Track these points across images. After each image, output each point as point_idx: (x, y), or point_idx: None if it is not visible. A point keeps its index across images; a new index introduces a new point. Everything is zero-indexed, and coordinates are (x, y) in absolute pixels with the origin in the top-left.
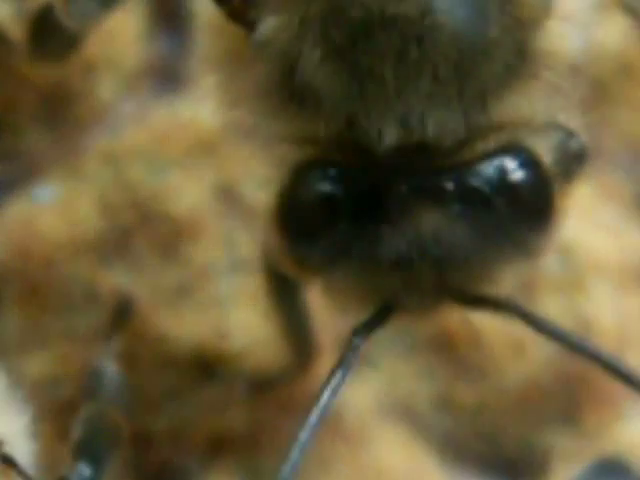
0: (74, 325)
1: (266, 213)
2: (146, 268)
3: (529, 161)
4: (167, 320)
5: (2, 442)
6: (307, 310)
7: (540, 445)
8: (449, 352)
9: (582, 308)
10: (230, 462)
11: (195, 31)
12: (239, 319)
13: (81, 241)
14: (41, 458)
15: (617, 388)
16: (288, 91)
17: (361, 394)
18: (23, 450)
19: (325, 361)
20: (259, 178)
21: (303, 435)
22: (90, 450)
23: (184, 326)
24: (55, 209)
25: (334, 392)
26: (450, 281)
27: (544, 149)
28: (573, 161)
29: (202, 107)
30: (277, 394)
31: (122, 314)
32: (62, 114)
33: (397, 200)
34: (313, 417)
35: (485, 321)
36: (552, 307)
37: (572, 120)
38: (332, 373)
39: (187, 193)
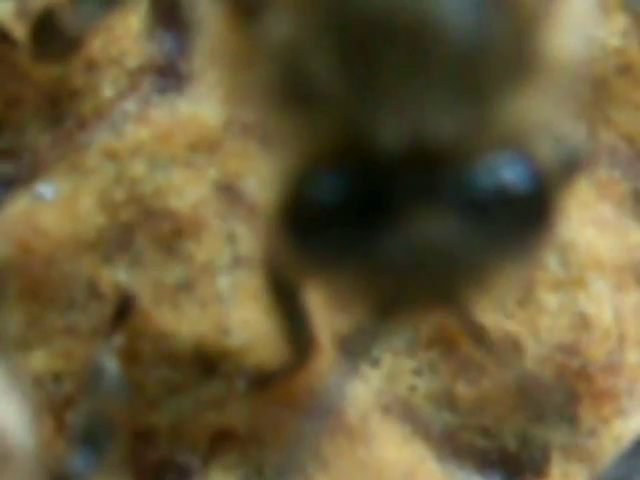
0: (75, 321)
1: (266, 213)
2: (148, 265)
3: (529, 165)
4: (168, 316)
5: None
6: (306, 307)
7: (540, 441)
8: (449, 349)
9: (581, 305)
10: (231, 458)
11: (196, 28)
12: (240, 315)
13: (83, 238)
14: (40, 454)
15: (617, 384)
16: (291, 91)
17: (361, 390)
18: (23, 442)
19: (325, 357)
20: (260, 177)
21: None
22: (89, 442)
23: (185, 322)
24: (57, 206)
25: (336, 398)
26: (448, 284)
27: (543, 152)
28: (572, 164)
29: (204, 104)
30: (278, 390)
31: (123, 310)
32: (64, 111)
33: (398, 203)
34: (314, 425)
35: (485, 318)
36: (551, 304)
37: (572, 123)
38: (334, 380)
39: (189, 190)
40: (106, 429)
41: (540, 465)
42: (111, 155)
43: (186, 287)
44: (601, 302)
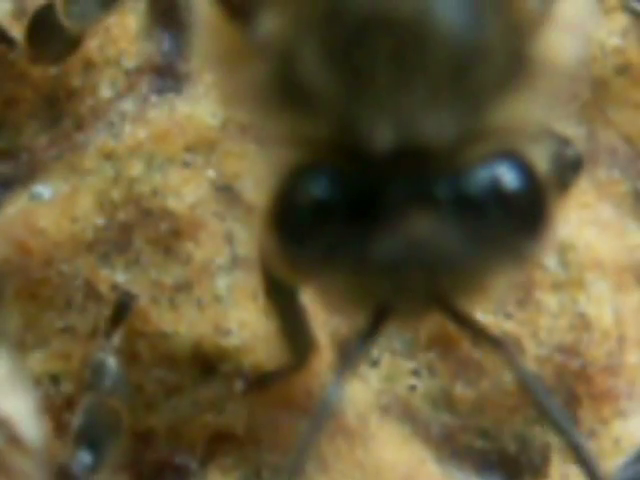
0: (74, 322)
1: (260, 214)
2: (145, 265)
3: (524, 168)
4: (166, 317)
5: (10, 422)
6: (304, 308)
7: (539, 442)
8: (448, 350)
9: (581, 306)
10: (229, 459)
11: (192, 29)
12: (238, 316)
13: (81, 238)
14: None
15: (617, 385)
16: (284, 91)
17: (360, 391)
18: (30, 431)
19: (323, 358)
20: (254, 177)
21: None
22: (91, 438)
23: (183, 323)
24: (55, 206)
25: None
26: (441, 286)
27: (540, 156)
28: (569, 169)
29: (202, 105)
30: (276, 391)
31: (121, 311)
32: (62, 112)
33: (390, 204)
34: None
35: (484, 318)
36: (551, 305)
37: (569, 128)
38: (333, 385)
39: (187, 190)
40: (106, 422)
41: (539, 467)
42: (109, 155)
43: (184, 287)
44: (601, 303)
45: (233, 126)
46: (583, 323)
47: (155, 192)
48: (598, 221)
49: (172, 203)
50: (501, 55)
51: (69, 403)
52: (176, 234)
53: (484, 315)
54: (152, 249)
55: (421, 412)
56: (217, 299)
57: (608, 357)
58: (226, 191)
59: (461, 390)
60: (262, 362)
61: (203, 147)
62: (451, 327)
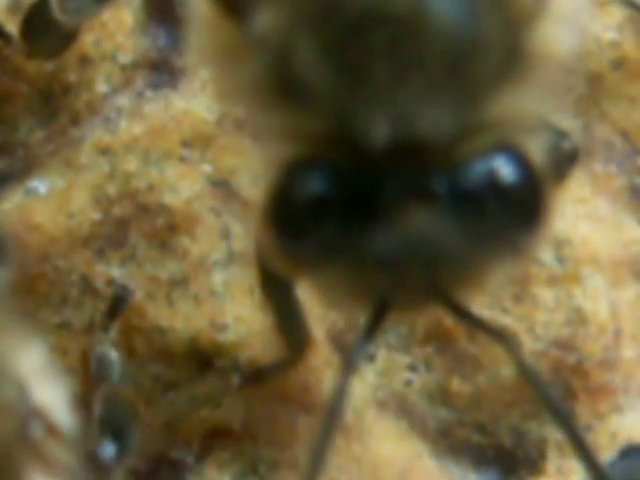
0: (70, 317)
1: (257, 209)
2: (142, 260)
3: (520, 161)
4: (162, 312)
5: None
6: (300, 303)
7: (535, 437)
8: (444, 344)
9: (577, 301)
10: (225, 454)
11: (188, 24)
12: (235, 311)
13: (77, 233)
14: None
15: (613, 380)
16: (280, 86)
17: (356, 386)
18: (65, 421)
19: (319, 352)
20: (251, 172)
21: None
22: (113, 427)
23: (179, 318)
24: (51, 202)
25: (342, 399)
26: (440, 280)
27: (536, 149)
28: (565, 162)
29: (198, 100)
30: (272, 386)
31: (117, 306)
32: (57, 107)
33: (387, 198)
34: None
35: (481, 313)
36: (547, 299)
37: (565, 120)
38: (340, 381)
39: (183, 185)
40: (128, 416)
41: (536, 461)
42: (105, 150)
43: (180, 283)
44: (597, 297)
45: (229, 121)
46: (579, 318)
47: (151, 187)
48: (594, 216)
49: (168, 198)
50: (497, 48)
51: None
52: (172, 229)
53: (481, 310)
54: (148, 244)
55: (417, 407)
56: (213, 294)
57: (604, 352)
58: (222, 186)
59: (457, 385)
60: (258, 357)
61: (199, 142)
62: (448, 321)
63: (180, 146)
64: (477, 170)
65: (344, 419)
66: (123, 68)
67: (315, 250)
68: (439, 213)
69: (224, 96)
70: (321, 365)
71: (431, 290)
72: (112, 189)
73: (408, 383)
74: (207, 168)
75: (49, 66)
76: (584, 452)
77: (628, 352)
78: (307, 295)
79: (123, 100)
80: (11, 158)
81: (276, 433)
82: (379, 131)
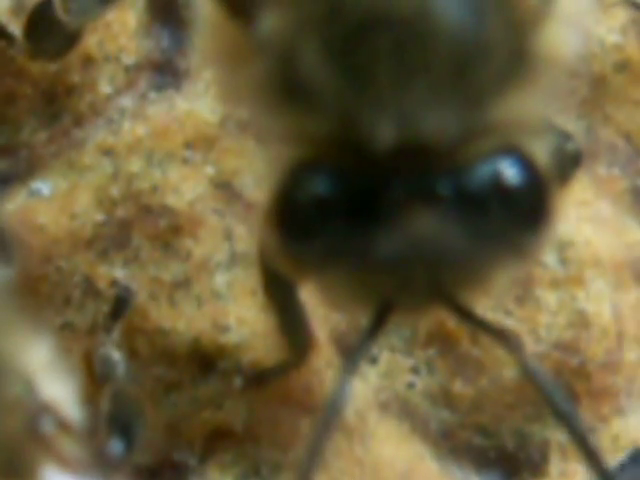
0: (72, 318)
1: (261, 211)
2: (144, 262)
3: (525, 164)
4: (165, 314)
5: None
6: (303, 305)
7: (538, 439)
8: (447, 347)
9: (580, 303)
10: (228, 456)
11: (193, 26)
12: (237, 313)
13: (79, 235)
14: None
15: (615, 382)
16: (285, 89)
17: (359, 389)
18: (75, 415)
19: (322, 354)
20: (255, 174)
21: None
22: (121, 423)
23: (182, 320)
24: (54, 203)
25: (343, 399)
26: (444, 282)
27: (540, 152)
28: (569, 164)
29: (201, 101)
30: (275, 387)
31: (120, 308)
32: (61, 108)
33: (392, 201)
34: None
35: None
36: (550, 302)
37: (569, 123)
38: (341, 381)
39: (186, 187)
40: (134, 414)
41: (538, 464)
42: (108, 152)
43: (183, 284)
44: (600, 300)
45: (232, 123)
46: (582, 320)
47: (154, 188)
48: (597, 218)
49: (171, 200)
50: (502, 51)
51: None
52: (175, 231)
53: (483, 312)
54: (151, 245)
55: (420, 409)
56: (216, 296)
57: (607, 354)
58: (225, 188)
59: (460, 387)
60: (261, 358)
61: (202, 144)
62: (450, 324)
63: (183, 147)
64: (481, 172)
65: (346, 421)
66: (126, 69)
67: (319, 252)
68: (443, 215)
69: (228, 98)
70: (324, 367)
71: (435, 292)
72: (115, 190)
73: (410, 385)
74: (210, 170)
75: (52, 67)
76: (589, 454)
77: (631, 355)
78: (310, 297)
79: (126, 101)
80: (14, 159)
81: (278, 435)
82: (384, 133)
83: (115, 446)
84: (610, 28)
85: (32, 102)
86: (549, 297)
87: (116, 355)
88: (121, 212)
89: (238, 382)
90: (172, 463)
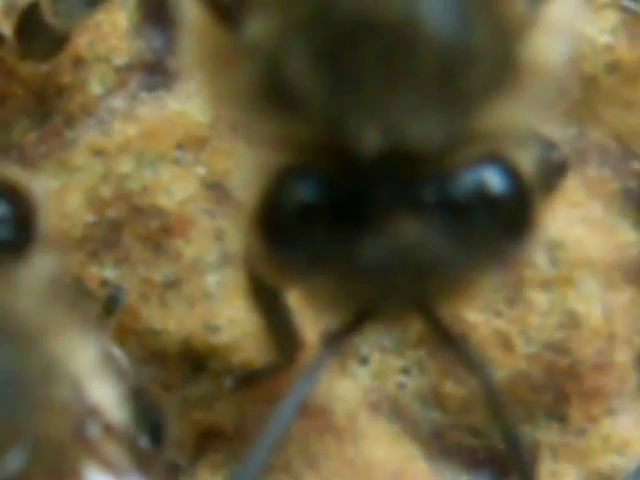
0: None
1: (246, 215)
2: (135, 262)
3: (510, 172)
4: (156, 314)
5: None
6: (290, 307)
7: (528, 440)
8: (438, 347)
9: (571, 304)
10: (219, 456)
11: (180, 29)
12: (228, 313)
13: (70, 235)
14: None
15: (606, 383)
16: (271, 94)
17: (349, 389)
18: (118, 420)
19: (311, 355)
20: (242, 177)
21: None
22: (148, 421)
23: (173, 320)
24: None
25: (306, 394)
26: (427, 290)
27: (526, 160)
28: (554, 173)
29: (192, 102)
30: (265, 388)
31: (111, 306)
32: (51, 108)
33: (376, 208)
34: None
35: (474, 316)
36: (541, 303)
37: (558, 127)
38: (306, 377)
39: (177, 187)
40: (158, 408)
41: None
42: (99, 152)
43: (174, 285)
44: (591, 301)
45: (223, 123)
46: (573, 321)
47: (145, 189)
48: (588, 219)
49: (162, 200)
50: (489, 59)
51: None
52: (166, 231)
53: (473, 313)
54: (142, 246)
55: (410, 410)
56: (207, 296)
57: (598, 355)
58: (216, 188)
59: (450, 388)
60: (251, 359)
61: (193, 144)
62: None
63: (174, 148)
64: (466, 180)
65: (336, 421)
66: (117, 70)
67: (303, 258)
68: (427, 223)
69: (215, 102)
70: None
71: (418, 300)
72: (106, 191)
73: (401, 386)
74: (201, 170)
75: (43, 68)
76: None
77: (621, 356)
78: (299, 298)
79: (117, 102)
80: (5, 159)
81: None
82: (369, 140)
83: (146, 442)
84: (601, 29)
85: (23, 102)
86: (540, 298)
87: (116, 351)
88: (112, 212)
89: (228, 382)
90: (162, 464)
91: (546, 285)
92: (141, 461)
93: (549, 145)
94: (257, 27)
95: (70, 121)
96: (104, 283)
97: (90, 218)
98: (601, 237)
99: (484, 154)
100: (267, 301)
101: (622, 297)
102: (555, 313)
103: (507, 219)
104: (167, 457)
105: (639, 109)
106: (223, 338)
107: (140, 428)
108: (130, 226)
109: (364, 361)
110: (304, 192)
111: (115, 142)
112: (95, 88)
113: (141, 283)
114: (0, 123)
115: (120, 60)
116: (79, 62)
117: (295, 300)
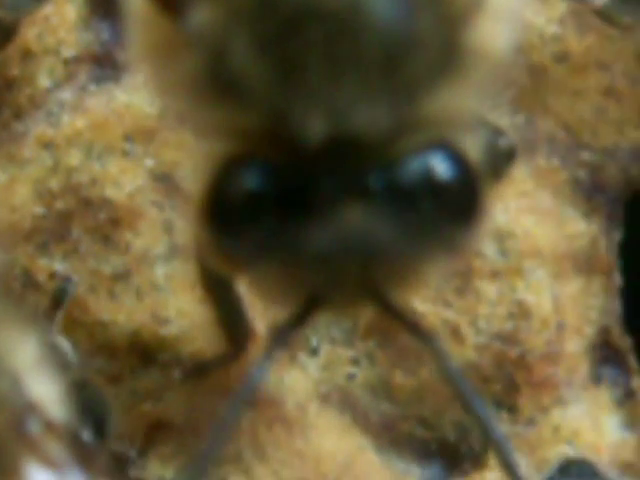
0: None
1: (194, 205)
2: (84, 254)
3: (456, 158)
4: (104, 306)
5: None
6: (240, 297)
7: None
8: (387, 338)
9: (520, 294)
10: (168, 448)
11: (126, 20)
12: (177, 305)
13: (19, 227)
14: None
15: (556, 373)
16: (217, 83)
17: (299, 380)
18: (58, 415)
19: (261, 346)
20: (188, 167)
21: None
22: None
23: (122, 312)
24: None
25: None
26: (374, 277)
27: (472, 146)
28: (502, 159)
29: (141, 94)
30: (214, 379)
31: (59, 300)
32: (0, 101)
33: (322, 196)
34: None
35: (423, 306)
36: (489, 293)
37: (506, 115)
38: (256, 369)
39: (125, 179)
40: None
41: (479, 455)
42: (47, 145)
43: (123, 277)
44: (540, 291)
45: (171, 115)
46: (522, 311)
47: (94, 181)
48: (537, 209)
49: (111, 192)
50: (433, 46)
51: None
52: (115, 223)
53: (423, 303)
54: (91, 238)
55: (360, 401)
56: (155, 288)
57: (547, 345)
58: (165, 180)
59: (400, 379)
60: (200, 350)
61: (142, 136)
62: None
63: (123, 140)
64: (412, 167)
65: (286, 412)
66: (66, 62)
67: (250, 247)
68: (374, 210)
69: (161, 92)
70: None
71: (366, 287)
72: (55, 183)
73: (351, 377)
74: (149, 162)
75: None
76: (505, 459)
77: (571, 345)
78: (249, 289)
79: (66, 94)
80: None
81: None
82: (315, 128)
83: (88, 436)
84: (549, 19)
85: None
86: (489, 288)
87: (64, 342)
88: (60, 205)
89: (178, 374)
90: (113, 456)
91: (495, 275)
92: (83, 456)
93: (496, 132)
94: (201, 16)
95: (19, 114)
96: (53, 275)
97: (39, 210)
98: (550, 227)
99: (430, 141)
100: (217, 291)
101: (571, 287)
102: (504, 303)
103: (454, 205)
104: (111, 451)
105: (588, 99)
106: (172, 330)
107: (83, 422)
108: (79, 218)
109: (314, 352)
110: (250, 181)
111: (64, 134)
112: (44, 81)
113: (90, 275)
114: None
115: (68, 53)
116: (27, 55)
117: (245, 290)
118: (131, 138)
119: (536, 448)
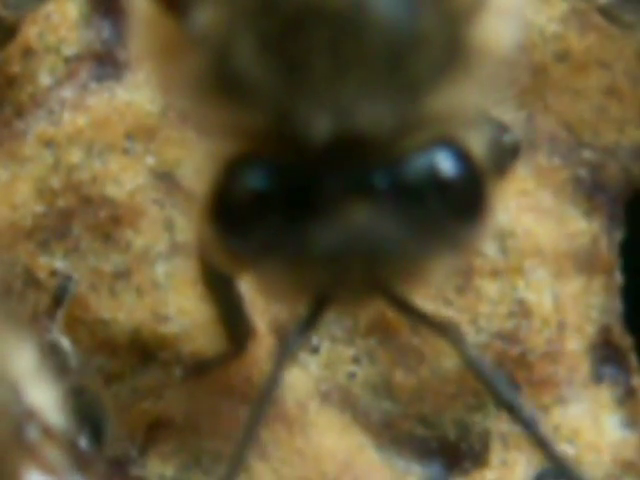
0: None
1: (198, 204)
2: (85, 252)
3: (461, 156)
4: (105, 304)
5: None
6: (242, 295)
7: (479, 429)
8: (388, 336)
9: (520, 293)
10: (169, 446)
11: (130, 20)
12: (177, 303)
13: (20, 225)
14: None
15: (556, 372)
16: (221, 83)
17: (300, 378)
18: (57, 422)
19: (262, 345)
20: (192, 166)
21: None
22: (88, 419)
23: (122, 310)
24: None
25: (273, 390)
26: (381, 275)
27: (477, 143)
28: (506, 156)
29: (142, 92)
30: (215, 378)
31: (60, 298)
32: (1, 99)
33: (328, 194)
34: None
35: (424, 305)
36: (490, 291)
37: (508, 113)
38: (271, 374)
39: (127, 177)
40: (99, 406)
41: (479, 453)
42: (48, 142)
43: (123, 275)
44: (540, 290)
45: (173, 113)
46: (523, 310)
47: (95, 179)
48: (538, 208)
49: (112, 190)
50: (437, 43)
51: None
52: (115, 221)
53: (423, 302)
54: (91, 236)
55: (361, 399)
56: (156, 286)
57: (548, 344)
58: (166, 178)
59: (401, 377)
60: (201, 349)
61: (143, 134)
62: (391, 313)
63: (124, 138)
64: (417, 165)
65: (286, 411)
66: (67, 60)
67: (256, 246)
68: (379, 208)
69: (165, 92)
70: (264, 357)
71: (372, 285)
72: (56, 181)
73: (351, 375)
74: (150, 160)
75: None
76: (537, 441)
77: (572, 344)
78: (250, 287)
79: (67, 92)
80: None
81: (219, 425)
82: (319, 127)
83: (87, 440)
84: (550, 17)
85: None
86: (489, 287)
87: (65, 341)
88: (61, 203)
89: (178, 372)
90: (113, 455)
91: (496, 274)
92: (81, 462)
93: (500, 128)
94: (205, 16)
95: (20, 112)
96: (54, 273)
97: (40, 208)
98: (551, 226)
99: (435, 138)
100: (218, 290)
101: (572, 286)
102: (505, 302)
103: (459, 202)
104: (109, 455)
105: (589, 98)
106: (173, 328)
107: (81, 428)
108: (80, 216)
109: (314, 350)
110: (255, 180)
111: (65, 132)
112: (45, 79)
113: (91, 273)
114: None
115: (70, 50)
116: (29, 53)
117: (247, 289)
118: (132, 136)
119: (536, 447)
